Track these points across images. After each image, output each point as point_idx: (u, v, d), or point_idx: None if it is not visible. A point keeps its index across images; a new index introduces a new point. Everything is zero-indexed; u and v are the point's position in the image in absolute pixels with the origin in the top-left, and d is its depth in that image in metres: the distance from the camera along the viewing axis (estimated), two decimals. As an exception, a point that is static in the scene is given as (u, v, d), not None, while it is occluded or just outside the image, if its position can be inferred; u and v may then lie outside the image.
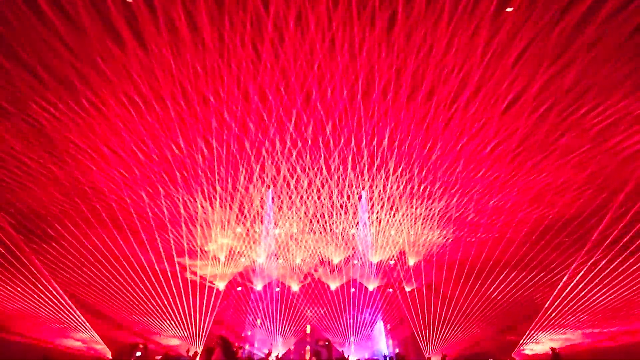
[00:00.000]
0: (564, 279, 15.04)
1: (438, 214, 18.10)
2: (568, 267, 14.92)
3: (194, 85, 12.22)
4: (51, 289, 15.01)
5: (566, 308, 15.46)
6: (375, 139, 15.01)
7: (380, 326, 21.52)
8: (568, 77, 10.90)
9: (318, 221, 19.58)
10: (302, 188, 17.96)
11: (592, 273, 14.39)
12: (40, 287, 14.80)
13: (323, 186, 17.79)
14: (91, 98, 11.60)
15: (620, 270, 13.95)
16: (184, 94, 12.42)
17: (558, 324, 16.06)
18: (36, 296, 14.94)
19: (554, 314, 15.80)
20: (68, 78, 10.86)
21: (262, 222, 19.86)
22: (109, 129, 12.94)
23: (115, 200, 15.02)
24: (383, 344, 21.06)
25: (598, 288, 14.50)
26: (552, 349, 14.92)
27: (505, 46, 10.72)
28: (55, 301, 15.27)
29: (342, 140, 15.28)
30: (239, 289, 21.34)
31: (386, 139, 14.75)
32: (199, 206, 17.26)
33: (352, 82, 12.73)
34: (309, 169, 16.92)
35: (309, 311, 21.38)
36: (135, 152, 13.92)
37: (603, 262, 14.06)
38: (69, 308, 15.57)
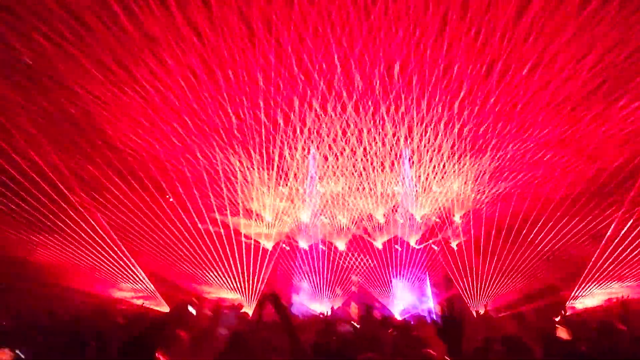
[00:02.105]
0: (609, 231, 15.47)
1: (483, 169, 18.69)
2: (613, 220, 15.38)
3: (241, 62, 13.52)
4: (112, 244, 16.42)
5: (617, 260, 15.69)
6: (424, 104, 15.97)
7: (425, 282, 22.69)
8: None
9: (362, 180, 20.52)
10: (345, 148, 18.90)
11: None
12: (101, 242, 16.24)
13: (366, 151, 18.86)
14: (141, 80, 13.14)
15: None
16: (233, 71, 13.71)
17: (609, 276, 16.31)
18: (96, 251, 16.40)
19: (604, 266, 16.04)
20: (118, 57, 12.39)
21: (305, 181, 20.92)
22: (159, 102, 14.48)
23: (172, 165, 16.71)
24: (429, 300, 22.23)
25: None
26: (620, 300, 13.85)
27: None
28: (115, 256, 16.68)
29: (384, 107, 16.25)
30: (287, 248, 22.81)
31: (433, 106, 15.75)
32: (246, 169, 18.70)
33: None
34: (352, 132, 17.99)
35: (355, 269, 22.68)
36: (187, 122, 15.49)
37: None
38: (128, 263, 16.97)
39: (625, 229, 15.05)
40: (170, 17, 11.51)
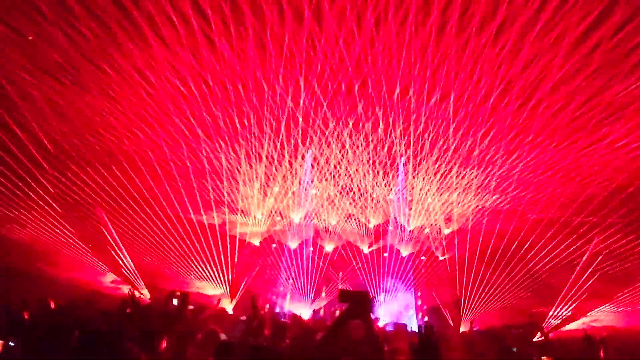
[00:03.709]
0: (585, 256, 17.01)
1: (477, 184, 19.96)
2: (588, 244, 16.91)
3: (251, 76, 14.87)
4: (100, 226, 17.58)
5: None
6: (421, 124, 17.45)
7: (410, 293, 23.62)
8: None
9: (358, 189, 21.85)
10: (340, 153, 20.38)
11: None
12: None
13: (362, 159, 20.26)
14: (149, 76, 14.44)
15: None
16: (243, 83, 15.10)
17: (585, 300, 17.74)
18: (84, 232, 17.51)
19: (580, 291, 17.49)
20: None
21: (300, 182, 22.16)
22: (169, 105, 15.84)
23: (172, 157, 17.88)
24: (412, 311, 23.31)
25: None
26: (585, 331, 15.24)
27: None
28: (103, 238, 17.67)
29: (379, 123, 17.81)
30: (274, 246, 24.04)
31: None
32: (238, 164, 19.97)
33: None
34: (351, 145, 19.43)
35: (340, 273, 23.80)
36: (194, 123, 16.85)
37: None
38: (119, 251, 17.99)
39: (600, 257, 16.40)
40: (190, 31, 12.83)
